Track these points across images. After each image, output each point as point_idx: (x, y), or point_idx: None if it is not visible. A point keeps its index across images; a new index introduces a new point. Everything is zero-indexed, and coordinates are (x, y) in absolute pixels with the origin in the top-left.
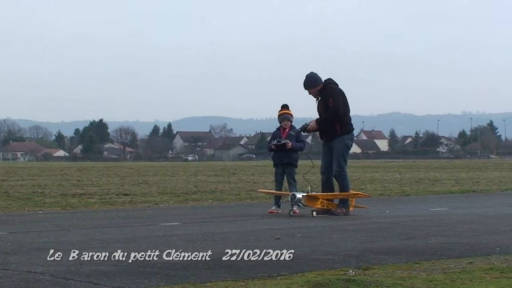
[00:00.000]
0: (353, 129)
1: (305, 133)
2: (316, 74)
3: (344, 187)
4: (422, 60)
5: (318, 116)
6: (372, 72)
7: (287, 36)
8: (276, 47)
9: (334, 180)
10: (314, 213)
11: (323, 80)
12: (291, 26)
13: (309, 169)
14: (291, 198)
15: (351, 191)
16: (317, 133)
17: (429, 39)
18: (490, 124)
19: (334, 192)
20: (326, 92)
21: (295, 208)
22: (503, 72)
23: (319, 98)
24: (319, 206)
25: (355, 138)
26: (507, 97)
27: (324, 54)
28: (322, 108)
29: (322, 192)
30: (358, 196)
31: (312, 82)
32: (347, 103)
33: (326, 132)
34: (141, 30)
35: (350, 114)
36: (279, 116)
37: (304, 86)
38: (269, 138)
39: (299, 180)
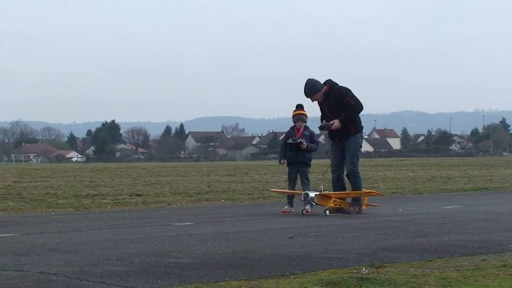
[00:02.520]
0: (363, 127)
1: (323, 130)
2: (314, 79)
3: (357, 185)
4: (434, 57)
5: (325, 118)
6: (383, 70)
7: (299, 35)
8: (288, 46)
9: (346, 178)
10: (327, 212)
11: (322, 83)
12: (302, 25)
13: (327, 168)
14: (303, 197)
15: (364, 190)
16: (327, 132)
17: (441, 36)
18: (503, 121)
19: (345, 190)
20: (338, 93)
21: (307, 207)
22: None
23: (324, 101)
24: (332, 205)
25: (366, 137)
26: None
27: (336, 53)
28: (334, 109)
29: (333, 191)
30: (371, 194)
31: (315, 88)
32: None
33: (339, 132)
34: (153, 30)
35: (363, 113)
36: (293, 116)
37: (308, 93)
38: (282, 137)
39: (312, 179)
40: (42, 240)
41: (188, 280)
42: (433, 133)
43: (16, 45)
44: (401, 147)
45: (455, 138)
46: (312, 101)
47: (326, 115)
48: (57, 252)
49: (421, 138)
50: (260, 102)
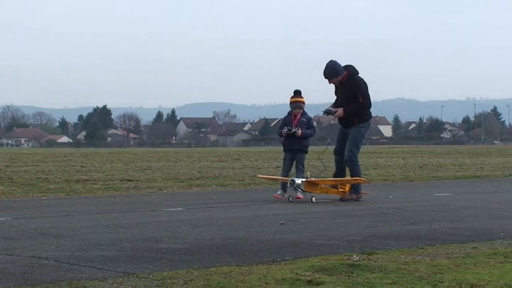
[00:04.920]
0: (371, 117)
1: (325, 115)
2: (337, 62)
3: (354, 173)
4: (426, 45)
5: (333, 101)
6: (375, 58)
7: (292, 22)
8: (280, 32)
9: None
10: (313, 198)
11: (342, 68)
12: (295, 13)
13: (323, 150)
14: (290, 183)
15: (348, 177)
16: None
17: (433, 24)
18: (494, 110)
19: (345, 173)
20: (353, 84)
21: (299, 194)
22: (507, 57)
23: (339, 87)
24: (319, 192)
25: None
26: (511, 83)
27: (327, 40)
28: (344, 97)
29: (335, 172)
30: (358, 182)
31: (335, 73)
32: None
33: (344, 120)
34: (145, 16)
35: None
36: (291, 103)
37: (327, 75)
38: (276, 122)
39: (308, 164)
40: (33, 224)
41: (179, 265)
42: (425, 121)
43: (6, 31)
44: (392, 135)
45: (446, 126)
46: (329, 83)
47: (337, 100)
48: (48, 237)
49: (413, 125)
50: (252, 88)
